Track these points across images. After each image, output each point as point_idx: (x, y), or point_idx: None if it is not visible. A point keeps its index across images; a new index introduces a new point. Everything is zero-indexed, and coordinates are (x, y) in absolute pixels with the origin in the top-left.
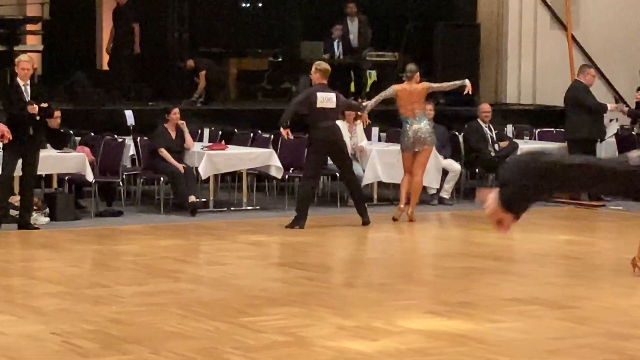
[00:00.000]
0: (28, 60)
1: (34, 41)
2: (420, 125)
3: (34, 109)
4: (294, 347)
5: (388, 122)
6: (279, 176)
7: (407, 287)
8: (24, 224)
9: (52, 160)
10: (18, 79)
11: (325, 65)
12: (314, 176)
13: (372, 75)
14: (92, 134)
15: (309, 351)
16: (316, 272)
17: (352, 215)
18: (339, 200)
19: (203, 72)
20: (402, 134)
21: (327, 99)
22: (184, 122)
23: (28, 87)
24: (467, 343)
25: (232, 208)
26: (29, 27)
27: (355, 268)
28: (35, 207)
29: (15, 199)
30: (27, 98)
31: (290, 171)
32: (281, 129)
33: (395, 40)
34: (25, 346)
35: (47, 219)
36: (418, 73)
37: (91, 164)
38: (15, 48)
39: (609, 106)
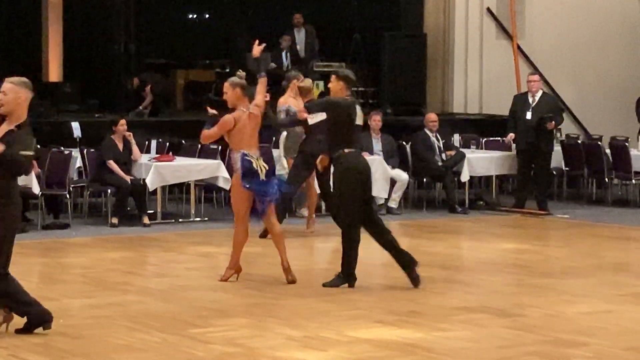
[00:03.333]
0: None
1: None
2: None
3: None
4: (243, 358)
5: None
6: (227, 187)
7: (355, 296)
8: None
9: None
10: None
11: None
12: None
13: (319, 86)
14: (39, 146)
15: None
16: (264, 283)
17: (301, 226)
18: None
19: (149, 86)
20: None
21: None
22: (130, 133)
23: None
24: (416, 352)
25: (180, 220)
26: None
27: (303, 279)
28: None
29: None
30: None
31: None
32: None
33: (342, 51)
34: None
35: None
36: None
37: (37, 176)
38: None
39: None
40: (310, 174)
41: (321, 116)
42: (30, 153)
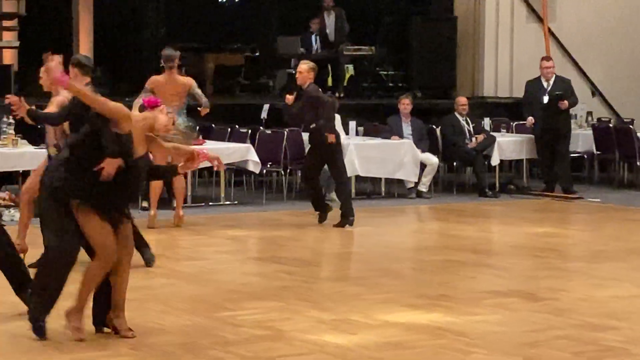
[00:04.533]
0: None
1: (10, 37)
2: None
3: None
4: (273, 341)
5: (365, 116)
6: (257, 171)
7: (385, 280)
8: None
9: (29, 156)
10: None
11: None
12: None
13: (349, 70)
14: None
15: (288, 345)
16: (294, 266)
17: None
18: None
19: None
20: None
21: None
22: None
23: None
24: (446, 336)
25: (210, 203)
26: (5, 23)
27: (333, 262)
28: (12, 204)
29: None
30: None
31: (268, 166)
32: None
33: (372, 34)
34: (4, 341)
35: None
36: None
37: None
38: None
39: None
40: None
41: None
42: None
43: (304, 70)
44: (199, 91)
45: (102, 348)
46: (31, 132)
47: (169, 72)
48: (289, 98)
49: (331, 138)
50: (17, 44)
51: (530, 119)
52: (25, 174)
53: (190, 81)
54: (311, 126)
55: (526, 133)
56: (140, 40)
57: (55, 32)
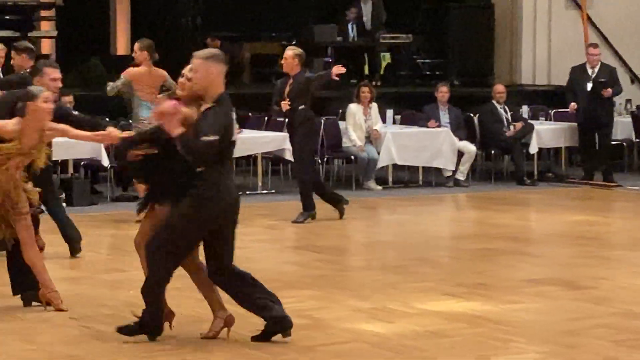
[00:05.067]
0: (2, 49)
1: (48, 27)
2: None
3: None
4: (311, 330)
5: (402, 104)
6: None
7: (423, 269)
8: None
9: (67, 146)
10: None
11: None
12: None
13: (386, 58)
14: (107, 119)
15: (326, 333)
16: (331, 255)
17: (367, 198)
18: (354, 183)
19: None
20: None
21: None
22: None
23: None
24: (485, 324)
25: (247, 192)
26: (43, 13)
27: (370, 251)
28: None
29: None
30: None
31: None
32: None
33: (409, 22)
34: (44, 330)
35: (64, 204)
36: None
37: (107, 149)
38: (30, 34)
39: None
40: None
41: None
42: (213, 138)
43: (289, 56)
44: (173, 82)
45: (141, 335)
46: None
47: (147, 64)
48: (284, 105)
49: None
50: (55, 33)
51: (573, 105)
52: (64, 163)
53: (164, 73)
54: (299, 107)
55: (564, 120)
56: (177, 30)
57: (93, 22)
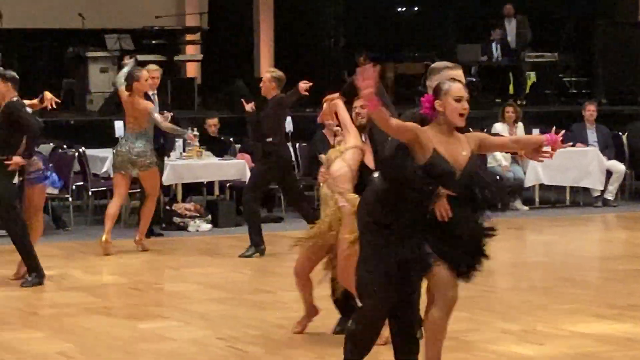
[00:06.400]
0: (157, 69)
1: (193, 51)
2: (135, 144)
3: (165, 118)
4: (459, 352)
5: (548, 123)
6: None
7: (572, 290)
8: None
9: (213, 168)
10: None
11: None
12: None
13: (531, 77)
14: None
15: (474, 356)
16: (479, 276)
17: (514, 219)
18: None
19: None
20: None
21: None
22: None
23: (156, 96)
24: (638, 347)
25: None
26: (189, 37)
27: (518, 272)
28: (197, 214)
29: (179, 207)
30: (156, 107)
31: None
32: None
33: (554, 41)
34: (191, 351)
35: (209, 225)
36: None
37: (251, 170)
38: (175, 58)
39: None
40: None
41: None
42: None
43: (266, 79)
44: (157, 117)
45: (288, 357)
46: (214, 144)
47: (130, 92)
48: (248, 107)
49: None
50: (200, 57)
51: None
52: (210, 185)
53: (149, 106)
54: (267, 139)
55: None
56: (320, 51)
57: (237, 44)
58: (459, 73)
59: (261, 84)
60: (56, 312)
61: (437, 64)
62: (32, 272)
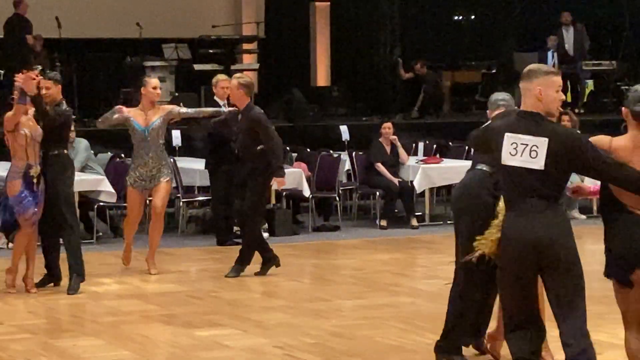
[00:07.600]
0: (227, 79)
1: (250, 60)
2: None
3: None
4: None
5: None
6: None
7: None
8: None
9: None
10: (216, 98)
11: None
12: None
13: (589, 85)
14: (308, 149)
15: None
16: None
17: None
18: None
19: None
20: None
21: None
22: (395, 137)
23: (227, 106)
24: None
25: (449, 222)
26: (245, 46)
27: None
28: None
29: None
30: None
31: None
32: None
33: (613, 49)
34: (248, 359)
35: (267, 234)
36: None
37: (308, 179)
38: (232, 67)
39: None
40: None
41: None
42: None
43: (233, 86)
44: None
45: None
46: None
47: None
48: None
49: (281, 183)
50: (257, 66)
51: None
52: None
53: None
54: (258, 148)
55: None
56: (376, 60)
57: (294, 53)
58: (560, 80)
59: (229, 92)
60: (115, 320)
61: (536, 67)
62: (72, 273)
